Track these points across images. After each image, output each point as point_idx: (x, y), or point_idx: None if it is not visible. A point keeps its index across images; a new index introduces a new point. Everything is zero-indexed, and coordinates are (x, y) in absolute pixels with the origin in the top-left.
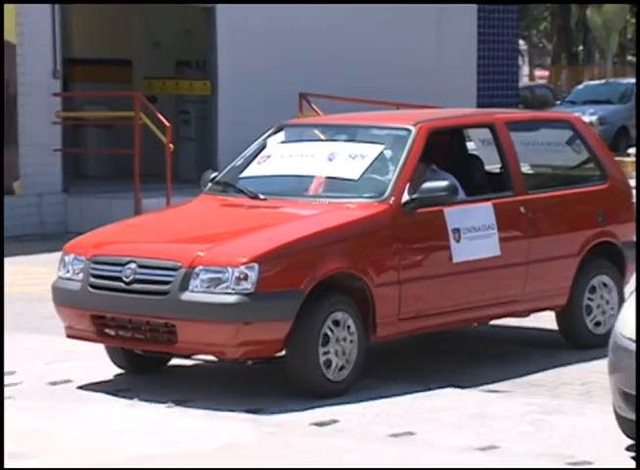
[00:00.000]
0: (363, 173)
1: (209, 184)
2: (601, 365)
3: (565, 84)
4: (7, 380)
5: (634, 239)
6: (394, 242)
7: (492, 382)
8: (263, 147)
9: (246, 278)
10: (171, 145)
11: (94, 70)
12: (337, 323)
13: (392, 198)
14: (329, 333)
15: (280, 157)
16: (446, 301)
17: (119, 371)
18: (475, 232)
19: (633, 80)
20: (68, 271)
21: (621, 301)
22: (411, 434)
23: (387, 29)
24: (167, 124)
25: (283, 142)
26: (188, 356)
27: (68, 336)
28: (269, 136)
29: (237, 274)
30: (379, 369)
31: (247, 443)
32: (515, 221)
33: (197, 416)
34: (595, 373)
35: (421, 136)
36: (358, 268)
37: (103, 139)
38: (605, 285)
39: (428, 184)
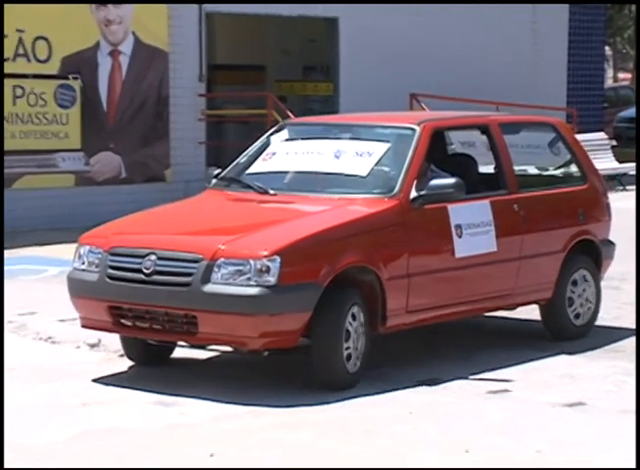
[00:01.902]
0: (371, 170)
1: (214, 180)
2: None
3: None
4: None
5: (608, 237)
6: (403, 237)
7: (581, 351)
8: (267, 144)
9: (268, 270)
10: None
11: (233, 75)
12: (354, 316)
13: (401, 194)
14: (349, 327)
15: (285, 154)
16: (449, 294)
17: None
18: (474, 228)
19: None
20: (83, 263)
21: (598, 294)
22: (507, 391)
23: (487, 34)
24: None
25: (287, 140)
26: (203, 347)
27: (83, 326)
28: (272, 134)
29: (259, 267)
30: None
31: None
32: (509, 219)
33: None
34: None
35: (425, 135)
36: (372, 262)
37: (240, 133)
38: (585, 280)
39: (436, 181)
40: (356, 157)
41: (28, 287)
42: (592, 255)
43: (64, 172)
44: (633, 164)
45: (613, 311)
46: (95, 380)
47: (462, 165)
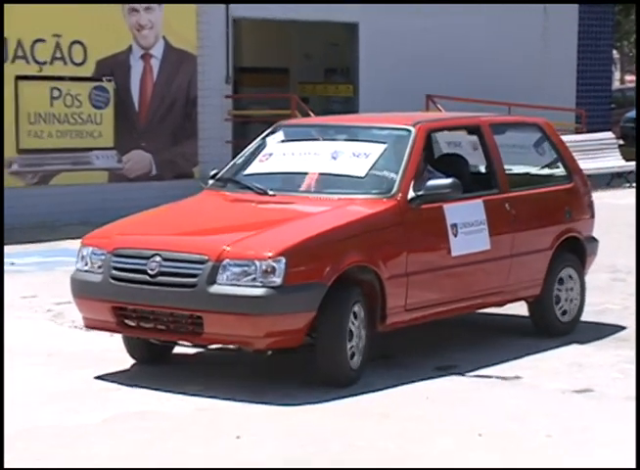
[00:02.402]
0: (369, 171)
1: (210, 181)
2: None
3: None
4: None
5: (592, 234)
6: (402, 236)
7: (587, 341)
8: (263, 146)
9: (273, 271)
10: None
11: (258, 77)
12: (355, 315)
13: (400, 194)
14: (351, 325)
15: (282, 155)
16: (445, 291)
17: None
18: (469, 227)
19: None
20: (86, 264)
21: (583, 291)
22: (518, 378)
23: (499, 38)
24: None
25: (283, 141)
26: (204, 347)
27: (87, 326)
28: (267, 135)
29: (264, 267)
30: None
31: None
32: (501, 217)
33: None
34: None
35: (420, 136)
36: (372, 261)
37: None
38: (570, 277)
39: (433, 181)
40: (353, 158)
41: (65, 278)
42: (577, 252)
43: (98, 169)
44: None
45: (620, 302)
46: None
47: (454, 165)
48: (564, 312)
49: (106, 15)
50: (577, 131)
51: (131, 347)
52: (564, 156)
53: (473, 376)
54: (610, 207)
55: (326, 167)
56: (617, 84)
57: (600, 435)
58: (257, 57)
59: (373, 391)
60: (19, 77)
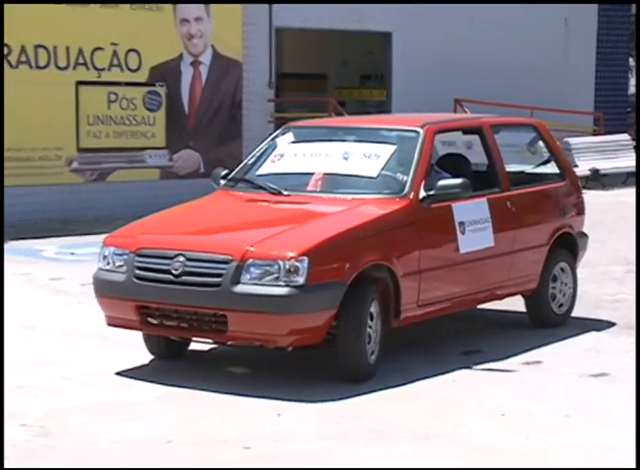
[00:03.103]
0: (380, 171)
1: (221, 181)
2: None
3: None
4: None
5: (583, 229)
6: (415, 235)
7: (603, 329)
8: (274, 147)
9: (296, 271)
10: None
11: (299, 82)
12: (371, 312)
13: (412, 194)
14: (369, 322)
15: (294, 156)
16: (454, 287)
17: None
18: (475, 225)
19: None
20: (108, 263)
21: (575, 284)
22: (539, 363)
23: (524, 46)
24: None
25: (293, 142)
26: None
27: (109, 324)
28: (277, 136)
29: (288, 267)
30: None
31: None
32: (503, 215)
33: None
34: None
35: (429, 137)
36: (388, 259)
37: None
38: (564, 271)
39: (444, 181)
40: (365, 158)
41: None
42: (570, 247)
43: (150, 167)
44: None
45: (633, 292)
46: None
47: (457, 165)
48: (559, 305)
49: (159, 25)
50: (596, 133)
51: (151, 343)
52: (556, 155)
53: (497, 360)
54: (625, 204)
55: (338, 168)
56: (632, 90)
57: (614, 415)
58: (298, 63)
59: (406, 372)
60: (79, 83)
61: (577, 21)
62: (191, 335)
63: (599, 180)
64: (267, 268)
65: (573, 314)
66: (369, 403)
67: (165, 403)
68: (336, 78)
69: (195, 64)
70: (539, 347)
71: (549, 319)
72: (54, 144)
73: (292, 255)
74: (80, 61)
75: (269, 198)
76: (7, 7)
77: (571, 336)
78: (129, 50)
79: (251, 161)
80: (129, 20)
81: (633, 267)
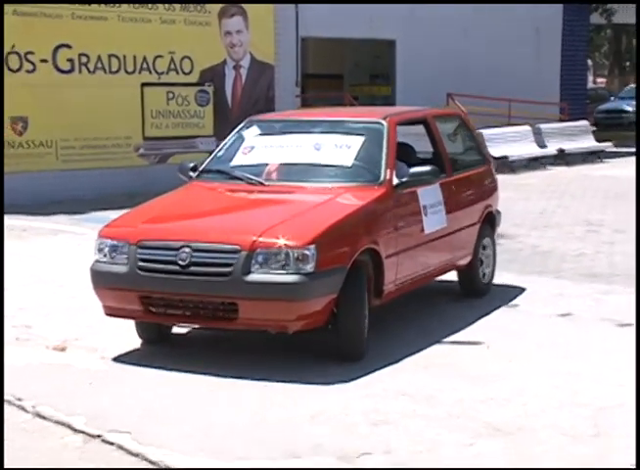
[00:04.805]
0: (354, 161)
1: (191, 173)
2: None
3: (616, 87)
4: None
5: (498, 207)
6: (392, 219)
7: (568, 277)
8: (241, 139)
9: (305, 258)
10: None
11: (320, 81)
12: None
13: (387, 181)
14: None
15: (264, 147)
16: (420, 265)
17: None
18: (434, 208)
19: None
20: (105, 255)
21: (495, 256)
22: (517, 306)
23: (503, 50)
24: None
25: (260, 135)
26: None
27: (108, 314)
28: (241, 130)
29: (297, 255)
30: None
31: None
32: (450, 198)
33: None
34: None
35: (392, 128)
36: (376, 243)
37: None
38: (487, 245)
39: (416, 169)
40: (337, 149)
41: None
42: (491, 223)
43: (201, 152)
44: (609, 143)
45: (593, 248)
46: None
47: (403, 153)
48: (484, 275)
49: (207, 37)
50: (561, 120)
51: (142, 329)
52: (478, 141)
53: (485, 304)
54: (585, 177)
55: (312, 158)
56: (590, 84)
57: (578, 346)
58: (319, 66)
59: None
60: (143, 84)
61: (546, 30)
62: (196, 323)
63: (564, 158)
64: (276, 257)
65: (546, 265)
66: (400, 373)
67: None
68: (350, 78)
69: (236, 67)
70: (518, 294)
71: (479, 289)
72: (124, 134)
73: (300, 243)
74: (144, 66)
75: (251, 188)
76: (91, 24)
77: (542, 284)
78: (184, 57)
79: (220, 153)
80: (183, 33)
81: (594, 228)
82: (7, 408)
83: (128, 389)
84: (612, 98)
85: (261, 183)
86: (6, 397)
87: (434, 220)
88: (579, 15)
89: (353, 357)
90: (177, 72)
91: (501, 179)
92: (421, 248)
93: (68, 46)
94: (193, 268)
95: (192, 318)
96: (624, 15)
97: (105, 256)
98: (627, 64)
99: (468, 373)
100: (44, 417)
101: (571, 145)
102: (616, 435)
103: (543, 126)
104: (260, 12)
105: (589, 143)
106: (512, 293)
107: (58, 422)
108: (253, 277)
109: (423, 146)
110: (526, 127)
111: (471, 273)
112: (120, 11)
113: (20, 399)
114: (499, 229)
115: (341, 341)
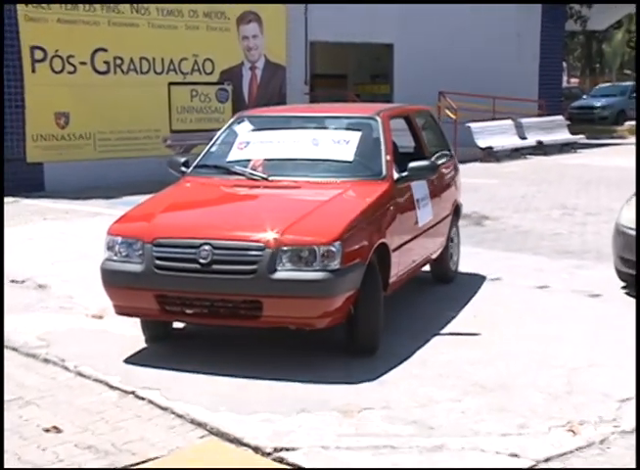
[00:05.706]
0: (354, 156)
1: (183, 168)
2: (606, 237)
3: (587, 87)
4: None
5: (460, 200)
6: (395, 213)
7: (546, 254)
8: (234, 135)
9: (330, 255)
10: None
11: (327, 81)
12: None
13: (389, 176)
14: None
15: (260, 142)
16: (415, 256)
17: None
18: (423, 201)
19: (627, 83)
20: (116, 254)
21: (459, 245)
22: (499, 279)
23: (490, 53)
24: None
25: (254, 130)
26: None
27: (120, 313)
28: (232, 125)
29: (322, 252)
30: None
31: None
32: (433, 191)
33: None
34: (607, 246)
35: (386, 123)
36: (386, 237)
37: None
38: (454, 236)
39: (415, 163)
40: (335, 144)
41: None
42: (457, 214)
43: None
44: (582, 136)
45: (568, 228)
46: None
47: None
48: (454, 263)
49: (227, 41)
50: (539, 115)
51: (147, 327)
52: (445, 136)
53: (467, 276)
54: (561, 166)
55: (312, 153)
56: (565, 84)
57: (554, 314)
58: (326, 67)
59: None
60: (170, 83)
61: (526, 35)
62: (215, 321)
63: (542, 149)
64: (302, 254)
65: (526, 243)
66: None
67: None
68: (353, 77)
69: (252, 68)
70: (499, 268)
71: (448, 276)
72: (153, 127)
73: (326, 240)
74: (171, 68)
75: (256, 183)
76: (124, 30)
77: (523, 259)
78: (206, 59)
79: (214, 149)
80: (206, 38)
81: (569, 211)
82: (53, 368)
83: (158, 352)
84: (584, 96)
85: (265, 178)
86: (50, 357)
87: (426, 213)
88: (556, 22)
89: (371, 352)
90: (200, 73)
91: (486, 167)
92: (416, 240)
93: (105, 50)
94: (214, 266)
95: (210, 317)
96: (595, 22)
97: (116, 254)
98: (597, 66)
99: (457, 338)
100: (84, 376)
101: (548, 137)
102: (586, 391)
103: (524, 120)
104: (273, 18)
105: (564, 135)
106: (495, 267)
107: (96, 380)
108: (280, 275)
109: (400, 141)
110: (509, 121)
111: (441, 262)
112: (150, 18)
113: (63, 360)
114: (485, 212)
115: (359, 336)
